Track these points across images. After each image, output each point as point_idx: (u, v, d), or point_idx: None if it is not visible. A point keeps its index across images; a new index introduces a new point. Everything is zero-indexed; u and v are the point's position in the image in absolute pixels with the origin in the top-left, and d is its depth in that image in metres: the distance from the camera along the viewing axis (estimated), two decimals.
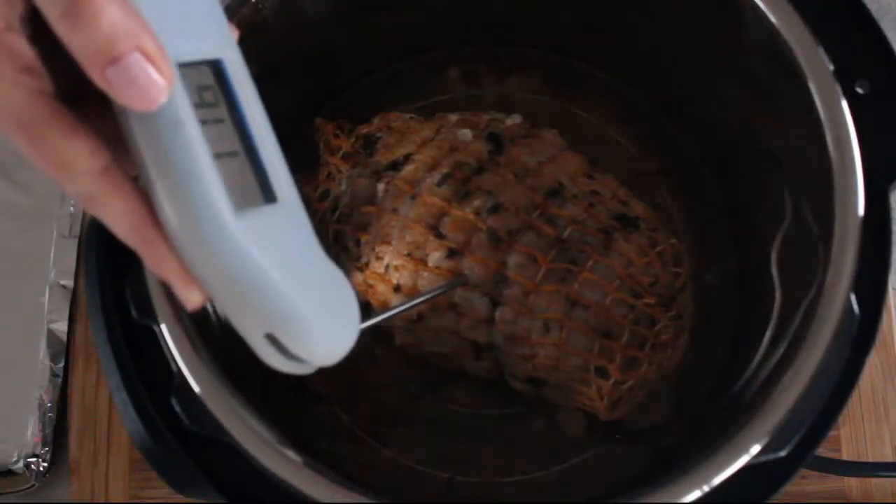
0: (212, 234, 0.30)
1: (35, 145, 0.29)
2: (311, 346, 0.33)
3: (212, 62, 0.31)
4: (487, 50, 0.62)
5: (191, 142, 0.30)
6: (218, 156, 0.31)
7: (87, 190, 0.30)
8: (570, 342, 0.48)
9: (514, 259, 0.48)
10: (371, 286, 0.51)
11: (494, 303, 0.49)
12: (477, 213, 0.49)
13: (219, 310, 0.32)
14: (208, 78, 0.31)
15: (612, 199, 0.51)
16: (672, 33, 0.53)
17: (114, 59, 0.27)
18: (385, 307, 0.51)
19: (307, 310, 0.32)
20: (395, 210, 0.50)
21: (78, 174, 0.29)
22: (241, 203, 0.31)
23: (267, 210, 0.32)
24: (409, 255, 0.49)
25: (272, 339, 0.32)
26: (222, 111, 0.32)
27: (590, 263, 0.48)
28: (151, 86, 0.28)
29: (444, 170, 0.50)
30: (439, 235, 0.49)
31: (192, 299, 0.31)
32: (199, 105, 0.30)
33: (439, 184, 0.50)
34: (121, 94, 0.28)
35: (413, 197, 0.50)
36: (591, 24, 0.57)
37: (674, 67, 0.56)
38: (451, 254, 0.49)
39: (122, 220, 0.30)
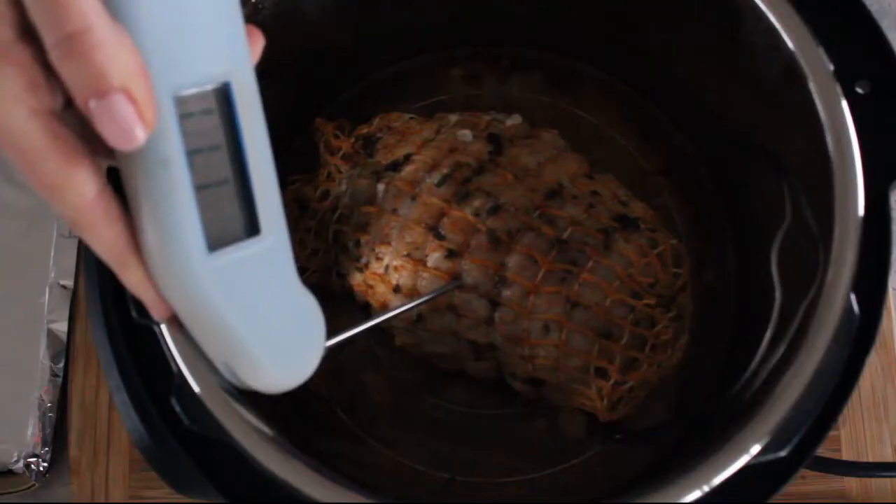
0: (181, 274, 0.31)
1: (29, 168, 0.29)
2: (262, 381, 0.36)
3: (217, 87, 0.31)
4: (487, 50, 0.62)
5: (174, 181, 0.30)
6: (204, 187, 0.31)
7: (75, 215, 0.30)
8: (570, 343, 0.48)
9: (513, 260, 0.48)
10: (371, 286, 0.51)
11: (494, 303, 0.49)
12: (476, 213, 0.49)
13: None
14: (210, 102, 0.31)
15: (612, 200, 0.51)
16: (672, 33, 0.53)
17: (98, 95, 0.27)
18: (385, 307, 0.51)
19: (262, 352, 0.34)
20: (394, 210, 0.50)
21: (69, 199, 0.29)
22: (218, 240, 0.31)
23: (245, 244, 0.33)
24: (408, 255, 0.49)
25: (227, 365, 0.35)
26: (219, 136, 0.31)
27: (590, 264, 0.48)
28: (131, 128, 0.28)
29: (444, 170, 0.50)
30: (439, 236, 0.49)
31: (159, 313, 0.33)
32: (195, 133, 0.30)
33: (439, 184, 0.50)
34: (100, 129, 0.28)
35: (413, 197, 0.50)
36: (591, 25, 0.57)
37: (674, 68, 0.56)
38: (451, 255, 0.49)
39: (103, 246, 0.31)
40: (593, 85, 0.61)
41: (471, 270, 0.49)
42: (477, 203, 0.49)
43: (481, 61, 0.62)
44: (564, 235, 0.49)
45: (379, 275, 0.50)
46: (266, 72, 0.43)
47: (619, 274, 0.48)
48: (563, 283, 0.48)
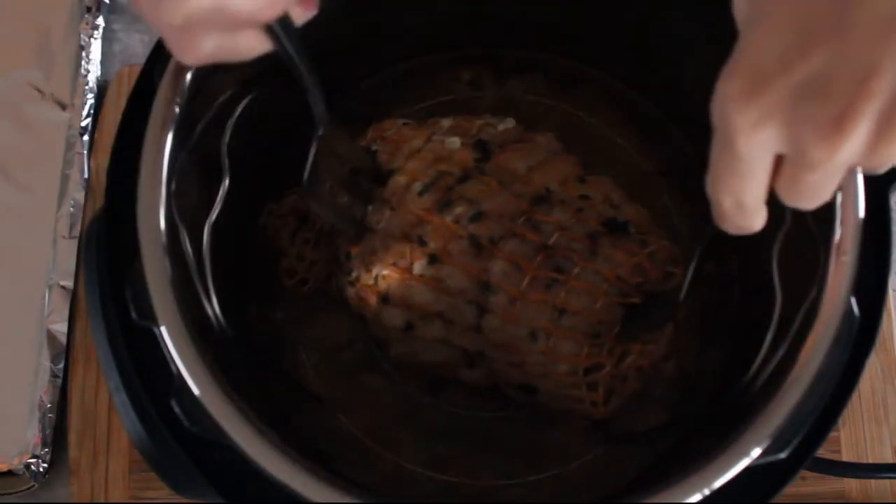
0: None
1: None
2: None
3: None
4: (489, 51, 0.62)
5: None
6: None
7: None
8: (558, 350, 0.48)
9: (497, 266, 0.48)
10: (363, 299, 0.51)
11: (482, 310, 0.49)
12: (457, 220, 0.49)
13: None
14: None
15: (603, 203, 0.51)
16: (672, 35, 0.53)
17: None
18: (378, 318, 0.51)
19: None
20: (379, 222, 0.50)
21: None
22: None
23: None
24: (394, 264, 0.49)
25: None
26: None
27: (575, 271, 0.48)
28: None
29: (426, 180, 0.50)
30: (421, 243, 0.49)
31: None
32: None
33: (421, 193, 0.50)
34: None
35: (393, 208, 0.50)
36: (593, 26, 0.57)
37: (674, 69, 0.56)
38: (432, 260, 0.49)
39: None
40: (594, 86, 0.61)
41: (453, 275, 0.49)
42: (458, 210, 0.49)
43: (482, 63, 0.62)
44: (550, 241, 0.48)
45: (369, 286, 0.50)
46: (268, 72, 0.43)
47: (606, 276, 0.48)
48: (549, 291, 0.48)
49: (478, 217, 0.49)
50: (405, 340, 0.51)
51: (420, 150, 0.52)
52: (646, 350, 0.50)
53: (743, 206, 0.33)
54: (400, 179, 0.51)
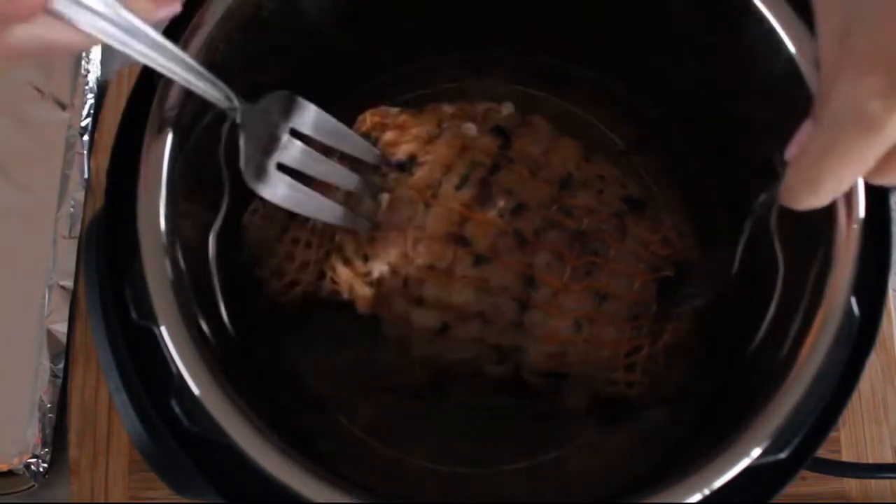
0: None
1: None
2: None
3: None
4: (480, 51, 0.61)
5: None
6: None
7: None
8: (601, 336, 0.47)
9: (541, 259, 0.47)
10: (387, 299, 0.49)
11: (524, 306, 0.48)
12: (501, 215, 0.47)
13: None
14: None
15: (616, 183, 0.50)
16: (670, 32, 0.53)
17: None
18: (405, 321, 0.49)
19: None
20: (410, 219, 0.47)
21: None
22: None
23: None
24: (432, 267, 0.47)
25: None
26: None
27: (612, 252, 0.47)
28: None
29: (462, 171, 0.48)
30: (464, 243, 0.47)
31: None
32: None
33: (459, 187, 0.47)
34: None
35: (427, 204, 0.47)
36: (587, 24, 0.57)
37: (673, 67, 0.56)
38: (479, 261, 0.47)
39: None
40: (590, 85, 0.61)
41: (498, 273, 0.47)
42: (501, 204, 0.47)
43: (469, 59, 0.60)
44: (583, 226, 0.48)
45: (398, 290, 0.48)
46: (266, 73, 0.43)
47: (640, 255, 0.47)
48: (590, 277, 0.47)
49: (518, 209, 0.47)
50: (436, 341, 0.49)
51: (438, 136, 0.50)
52: (676, 327, 0.50)
53: (841, 189, 0.34)
54: (431, 171, 0.48)
